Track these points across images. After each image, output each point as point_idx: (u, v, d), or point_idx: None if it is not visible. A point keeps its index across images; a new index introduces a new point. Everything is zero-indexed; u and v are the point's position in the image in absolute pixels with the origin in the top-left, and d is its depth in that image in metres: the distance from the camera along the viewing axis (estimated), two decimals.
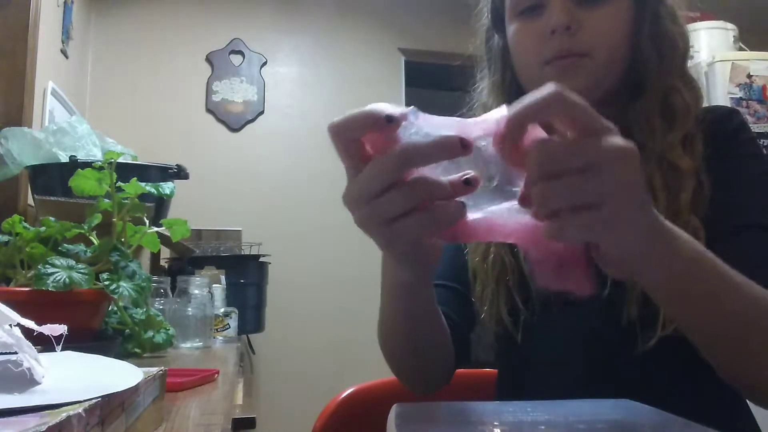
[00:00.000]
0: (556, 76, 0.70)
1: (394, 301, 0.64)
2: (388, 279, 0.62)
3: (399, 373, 0.76)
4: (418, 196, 0.41)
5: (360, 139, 0.42)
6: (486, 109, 0.79)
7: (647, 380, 0.69)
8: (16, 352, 0.38)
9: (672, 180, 0.69)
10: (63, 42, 2.39)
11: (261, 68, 3.19)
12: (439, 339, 0.72)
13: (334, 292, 3.05)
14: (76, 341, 0.47)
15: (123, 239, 0.97)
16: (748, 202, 0.69)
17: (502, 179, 0.43)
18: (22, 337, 0.40)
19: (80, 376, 0.44)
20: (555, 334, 0.75)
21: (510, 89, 0.81)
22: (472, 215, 0.43)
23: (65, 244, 0.90)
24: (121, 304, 0.96)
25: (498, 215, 0.42)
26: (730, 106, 2.52)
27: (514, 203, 0.42)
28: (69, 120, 1.70)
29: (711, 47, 2.76)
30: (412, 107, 0.41)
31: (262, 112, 3.16)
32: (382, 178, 0.41)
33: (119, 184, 0.98)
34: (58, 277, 0.79)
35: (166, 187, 1.03)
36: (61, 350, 0.44)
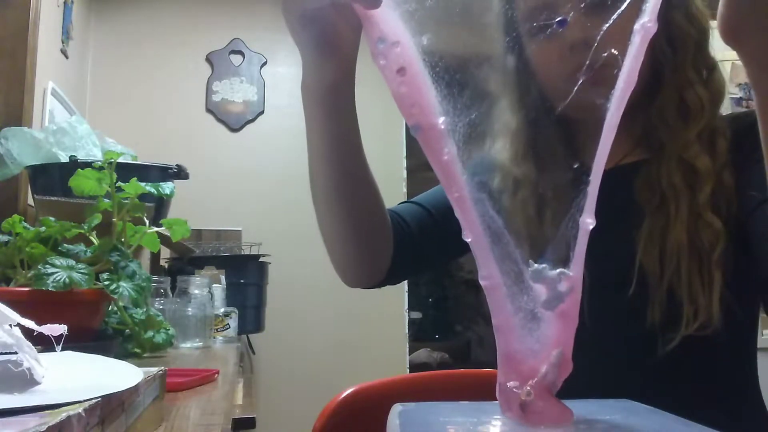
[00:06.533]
0: (583, 90, 0.69)
1: (317, 132, 0.64)
2: (309, 105, 0.63)
3: (331, 234, 0.77)
4: None
5: None
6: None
7: (669, 382, 0.68)
8: (16, 352, 0.38)
9: (691, 180, 0.68)
10: (63, 42, 2.38)
11: (261, 68, 3.19)
12: (371, 195, 0.72)
13: (334, 292, 3.04)
14: (76, 341, 0.47)
15: (123, 239, 0.97)
16: None
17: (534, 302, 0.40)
18: (22, 337, 0.40)
19: (80, 376, 0.44)
20: (581, 339, 0.74)
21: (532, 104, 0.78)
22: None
23: (65, 244, 0.90)
24: (121, 304, 0.96)
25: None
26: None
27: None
28: (69, 120, 1.69)
29: (711, 47, 2.76)
30: None
31: (262, 112, 3.16)
32: None
33: (119, 184, 0.98)
34: (58, 277, 0.79)
35: (166, 187, 1.03)
36: (61, 350, 0.44)
